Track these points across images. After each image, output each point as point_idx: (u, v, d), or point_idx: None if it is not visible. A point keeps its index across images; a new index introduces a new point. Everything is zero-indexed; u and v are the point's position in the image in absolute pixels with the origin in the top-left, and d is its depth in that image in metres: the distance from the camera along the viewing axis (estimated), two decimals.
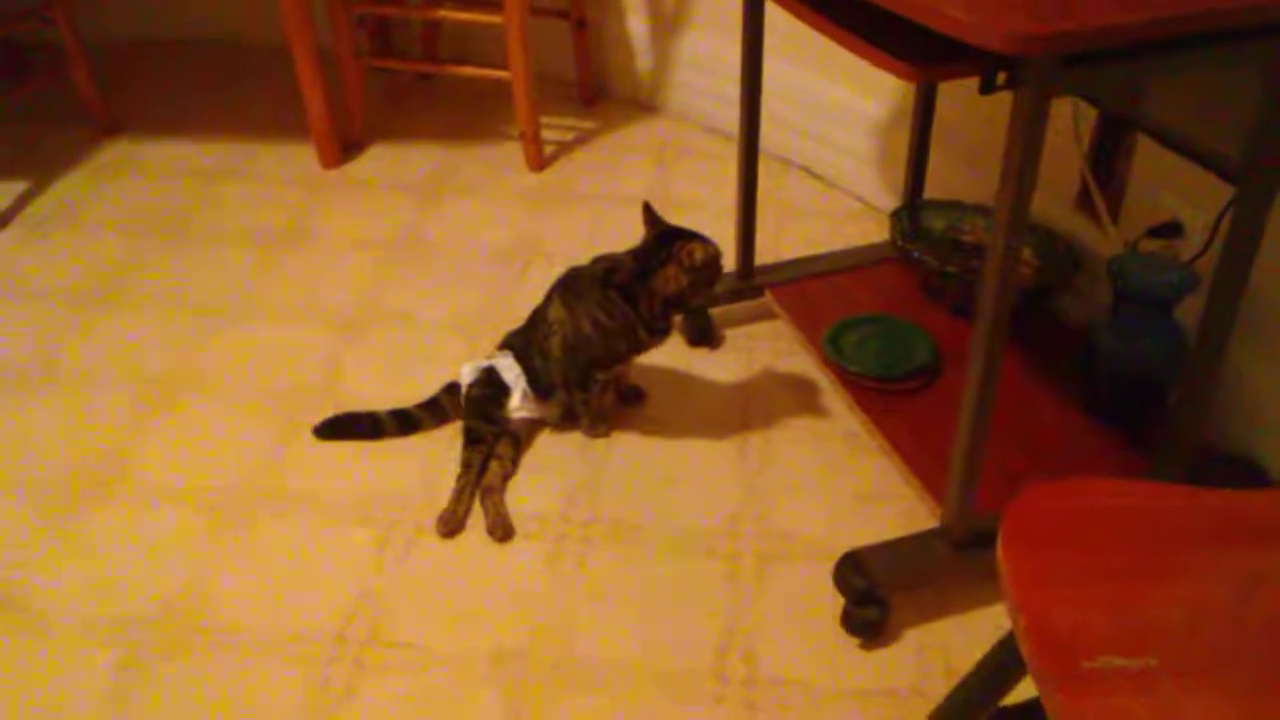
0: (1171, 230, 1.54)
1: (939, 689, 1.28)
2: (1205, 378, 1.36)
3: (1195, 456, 1.44)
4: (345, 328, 1.91)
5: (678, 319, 1.63)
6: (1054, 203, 1.76)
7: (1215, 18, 1.01)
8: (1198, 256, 1.46)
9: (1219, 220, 1.40)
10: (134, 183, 2.36)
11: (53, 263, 2.10)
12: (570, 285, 1.60)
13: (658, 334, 1.58)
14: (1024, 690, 0.97)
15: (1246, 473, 1.48)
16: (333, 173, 2.39)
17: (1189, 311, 1.45)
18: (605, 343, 1.56)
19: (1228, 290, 1.28)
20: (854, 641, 1.34)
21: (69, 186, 2.35)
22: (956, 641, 1.34)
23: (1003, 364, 1.22)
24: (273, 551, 1.48)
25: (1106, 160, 1.65)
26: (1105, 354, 1.50)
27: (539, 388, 1.63)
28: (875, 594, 1.32)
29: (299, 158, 2.43)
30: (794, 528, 1.50)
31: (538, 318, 1.64)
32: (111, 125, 2.56)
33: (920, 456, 1.49)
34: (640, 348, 1.59)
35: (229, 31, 2.95)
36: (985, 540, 1.08)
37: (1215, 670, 0.72)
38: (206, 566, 1.46)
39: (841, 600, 1.35)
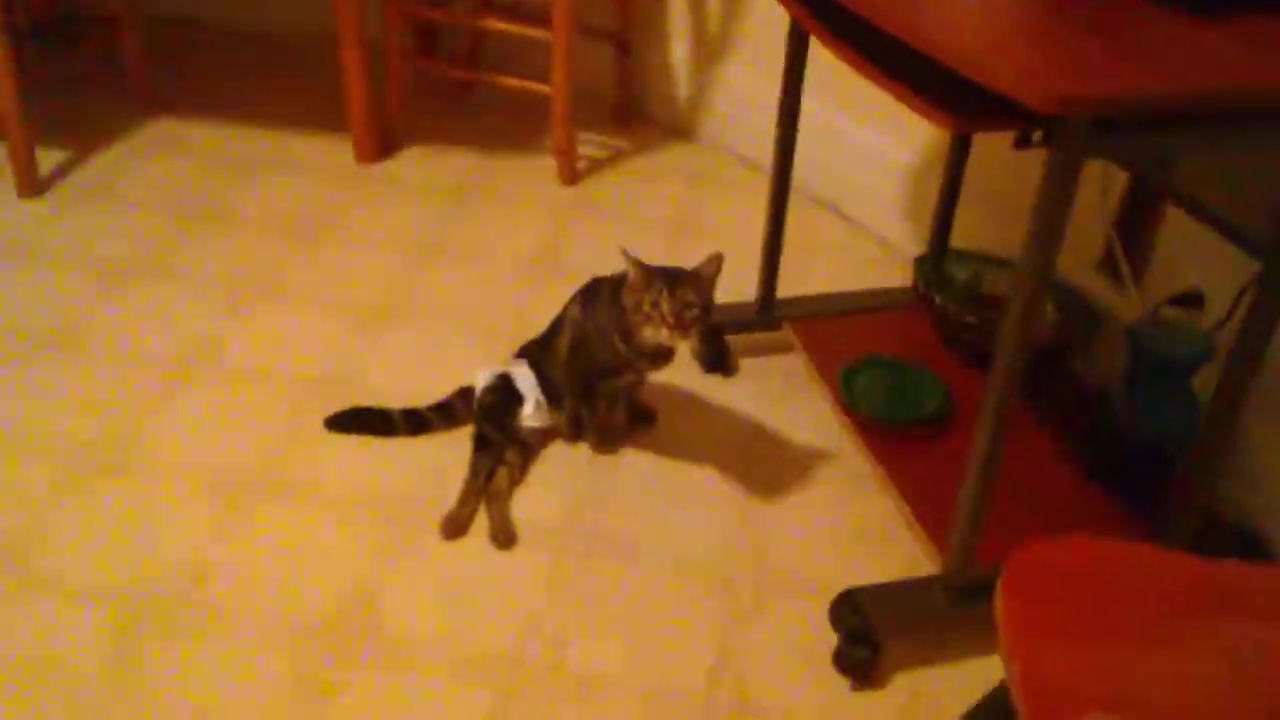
0: (1192, 300, 1.55)
1: None
2: (1215, 447, 1.36)
3: (1199, 525, 1.44)
4: (366, 322, 1.93)
5: (688, 347, 1.59)
6: (1077, 262, 1.78)
7: (1256, 94, 1.02)
8: (1218, 327, 1.46)
9: (1241, 293, 1.41)
10: (173, 162, 2.40)
11: (86, 234, 2.13)
12: (592, 289, 1.62)
13: (641, 355, 1.54)
14: None
15: (1249, 545, 1.48)
16: (368, 168, 2.42)
17: (1204, 381, 1.45)
18: (599, 348, 1.57)
19: (1244, 363, 1.28)
20: (845, 681, 1.35)
21: (109, 160, 2.38)
22: (948, 690, 1.35)
23: (1014, 419, 1.23)
24: (275, 537, 1.50)
25: (1133, 225, 1.66)
26: (1118, 417, 1.51)
27: (550, 392, 1.64)
28: (868, 634, 1.33)
29: (336, 151, 2.46)
30: (793, 561, 1.51)
31: (556, 321, 1.66)
32: (156, 103, 2.59)
33: (925, 503, 1.49)
34: (626, 364, 1.56)
35: (277, 21, 2.99)
36: (984, 591, 1.09)
37: None
38: (209, 546, 1.47)
39: (835, 637, 1.36)
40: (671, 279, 1.45)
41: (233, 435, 1.66)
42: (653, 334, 1.47)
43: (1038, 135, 1.09)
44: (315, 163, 2.43)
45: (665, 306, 1.44)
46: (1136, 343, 1.48)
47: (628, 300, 1.48)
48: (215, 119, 2.57)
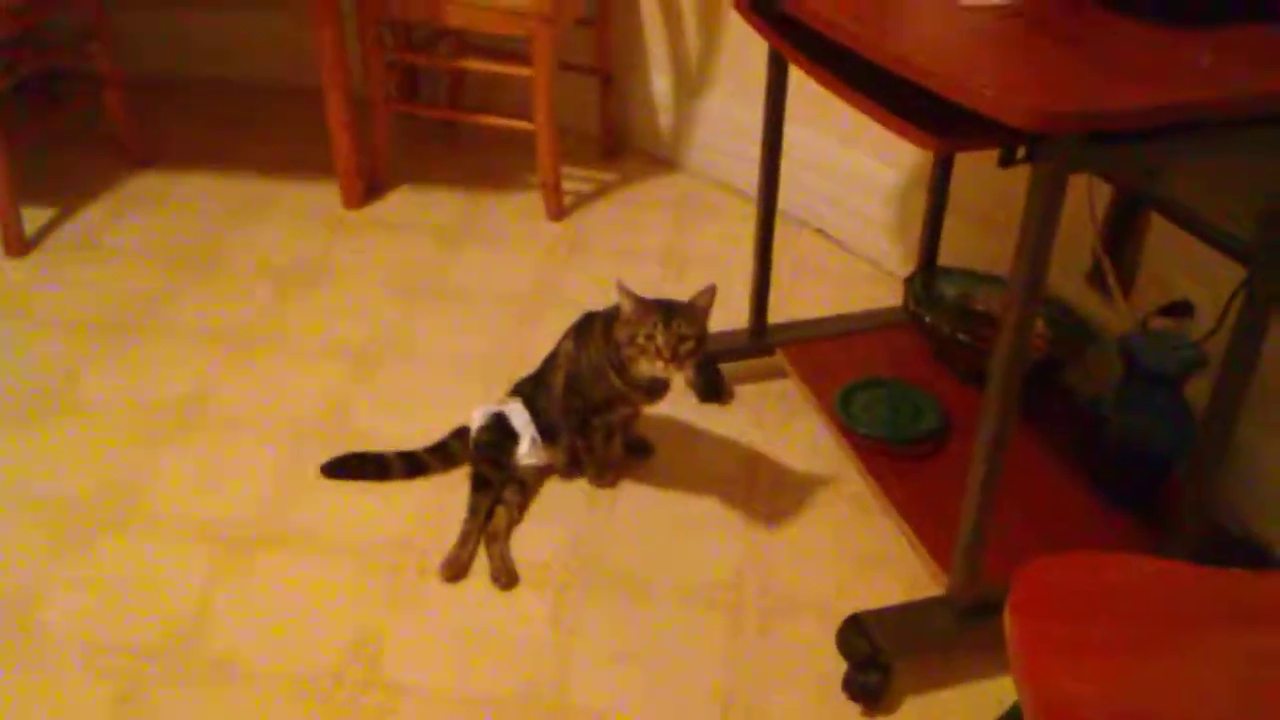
0: (1182, 309, 1.55)
1: None
2: (1212, 456, 1.36)
3: (1200, 535, 1.44)
4: (359, 366, 1.93)
5: (682, 376, 1.57)
6: (1066, 276, 1.78)
7: (1236, 104, 1.03)
8: (1208, 336, 1.47)
9: (1230, 301, 1.41)
10: (160, 215, 2.40)
11: (75, 291, 2.13)
12: (585, 324, 1.62)
13: (637, 389, 1.54)
14: None
15: (1251, 553, 1.48)
16: (355, 213, 2.42)
17: (1198, 390, 1.45)
18: (594, 382, 1.56)
19: (1237, 371, 1.29)
20: (855, 707, 1.34)
21: (96, 216, 2.39)
22: (958, 712, 1.33)
23: (1010, 434, 1.23)
24: (276, 587, 1.48)
25: (1120, 237, 1.67)
26: (1112, 429, 1.51)
27: (545, 429, 1.63)
28: (878, 659, 1.32)
29: (323, 197, 2.47)
30: (798, 587, 1.50)
31: (550, 357, 1.66)
32: (141, 157, 2.60)
33: (927, 522, 1.49)
34: (621, 397, 1.55)
35: (260, 73, 3.01)
36: (989, 610, 1.08)
37: None
38: (210, 600, 1.46)
39: (843, 663, 1.35)
40: (666, 312, 1.46)
41: (229, 486, 1.66)
42: (648, 367, 1.47)
43: (1022, 152, 1.10)
44: (303, 210, 2.43)
45: (660, 339, 1.44)
46: (1128, 354, 1.48)
47: (622, 334, 1.48)
48: (201, 171, 2.58)
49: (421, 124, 2.79)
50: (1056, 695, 0.75)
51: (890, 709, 1.34)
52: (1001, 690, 1.36)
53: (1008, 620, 0.81)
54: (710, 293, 1.48)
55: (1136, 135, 1.04)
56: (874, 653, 1.31)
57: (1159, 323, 1.58)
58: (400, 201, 2.47)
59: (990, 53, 1.13)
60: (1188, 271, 1.57)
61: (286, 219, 2.39)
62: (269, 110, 2.89)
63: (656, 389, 1.55)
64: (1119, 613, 0.83)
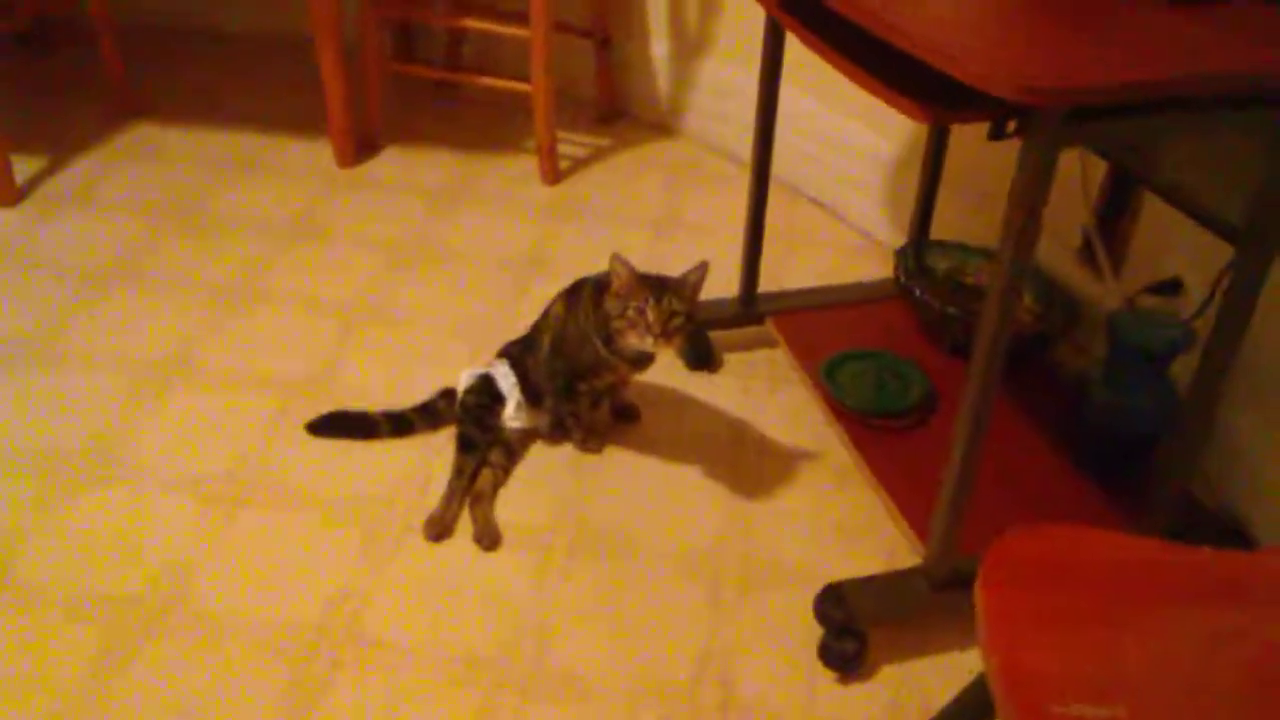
0: (1171, 288, 1.55)
1: None
2: (1194, 435, 1.37)
3: (1178, 513, 1.45)
4: (348, 325, 1.92)
5: (668, 349, 1.56)
6: (1057, 252, 1.78)
7: (1225, 81, 1.02)
8: (1196, 315, 1.47)
9: (1218, 281, 1.41)
10: (152, 166, 2.38)
11: (65, 240, 2.12)
12: (576, 290, 1.61)
13: (621, 358, 1.53)
14: None
15: (1227, 532, 1.49)
16: (348, 172, 2.41)
17: (1184, 368, 1.46)
18: (579, 348, 1.56)
19: (1222, 351, 1.29)
20: (830, 674, 1.35)
21: (88, 165, 2.37)
22: (933, 682, 1.35)
23: (995, 409, 1.23)
24: (259, 542, 1.49)
25: (1112, 214, 1.67)
26: (1097, 406, 1.52)
27: (532, 392, 1.64)
28: (853, 627, 1.33)
29: (316, 154, 2.45)
30: (778, 555, 1.51)
31: (540, 320, 1.65)
32: (135, 108, 2.58)
33: (907, 494, 1.49)
34: (606, 365, 1.55)
35: (258, 25, 2.99)
36: (966, 582, 1.09)
37: None
38: (194, 553, 1.47)
39: (819, 631, 1.36)
40: (658, 287, 1.45)
41: (215, 441, 1.66)
42: (636, 340, 1.47)
43: (1012, 126, 1.09)
44: (295, 166, 2.42)
45: (651, 315, 1.44)
46: (1115, 332, 1.48)
47: (612, 306, 1.47)
48: (194, 124, 2.56)
49: (417, 83, 2.77)
50: (1021, 667, 0.76)
51: (865, 677, 1.35)
52: (975, 661, 1.37)
53: (978, 590, 0.82)
54: (702, 269, 1.48)
55: (1124, 111, 1.04)
56: (849, 621, 1.33)
57: (1148, 301, 1.58)
58: (393, 161, 2.46)
59: (983, 24, 1.12)
60: (1178, 250, 1.57)
61: (278, 175, 2.38)
62: (264, 64, 2.86)
63: (642, 359, 1.56)
64: (1087, 586, 0.83)
